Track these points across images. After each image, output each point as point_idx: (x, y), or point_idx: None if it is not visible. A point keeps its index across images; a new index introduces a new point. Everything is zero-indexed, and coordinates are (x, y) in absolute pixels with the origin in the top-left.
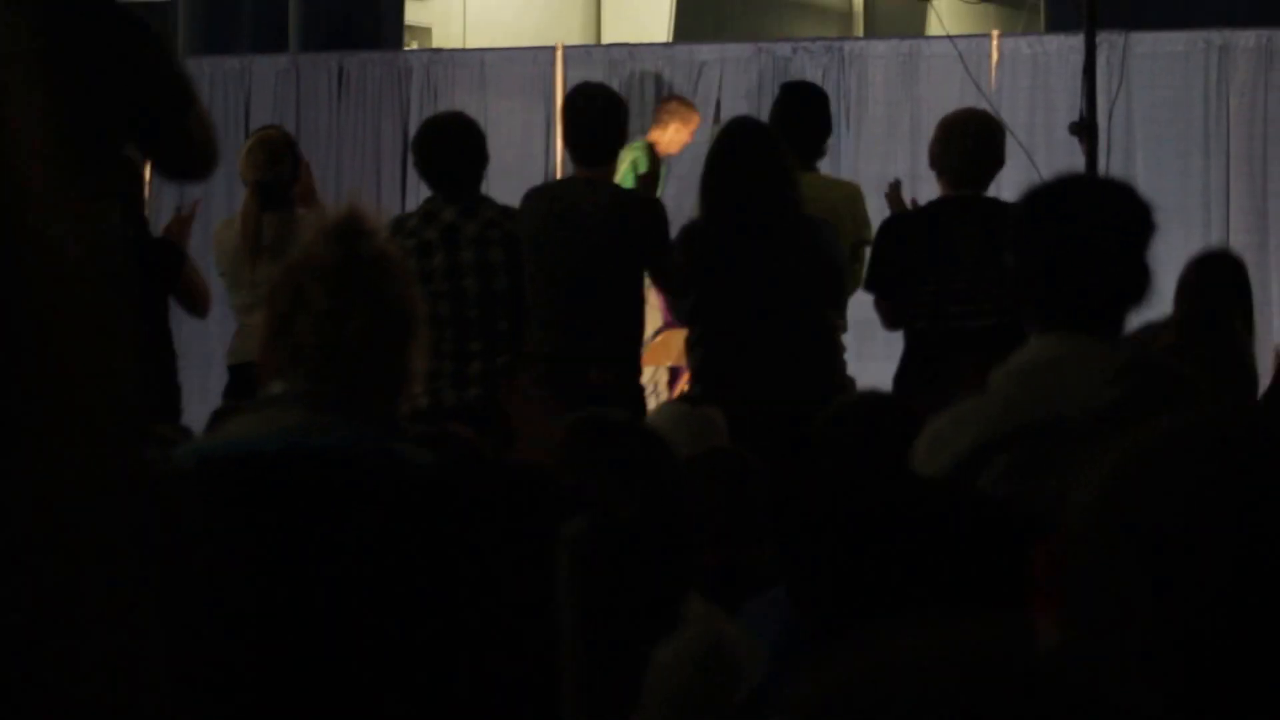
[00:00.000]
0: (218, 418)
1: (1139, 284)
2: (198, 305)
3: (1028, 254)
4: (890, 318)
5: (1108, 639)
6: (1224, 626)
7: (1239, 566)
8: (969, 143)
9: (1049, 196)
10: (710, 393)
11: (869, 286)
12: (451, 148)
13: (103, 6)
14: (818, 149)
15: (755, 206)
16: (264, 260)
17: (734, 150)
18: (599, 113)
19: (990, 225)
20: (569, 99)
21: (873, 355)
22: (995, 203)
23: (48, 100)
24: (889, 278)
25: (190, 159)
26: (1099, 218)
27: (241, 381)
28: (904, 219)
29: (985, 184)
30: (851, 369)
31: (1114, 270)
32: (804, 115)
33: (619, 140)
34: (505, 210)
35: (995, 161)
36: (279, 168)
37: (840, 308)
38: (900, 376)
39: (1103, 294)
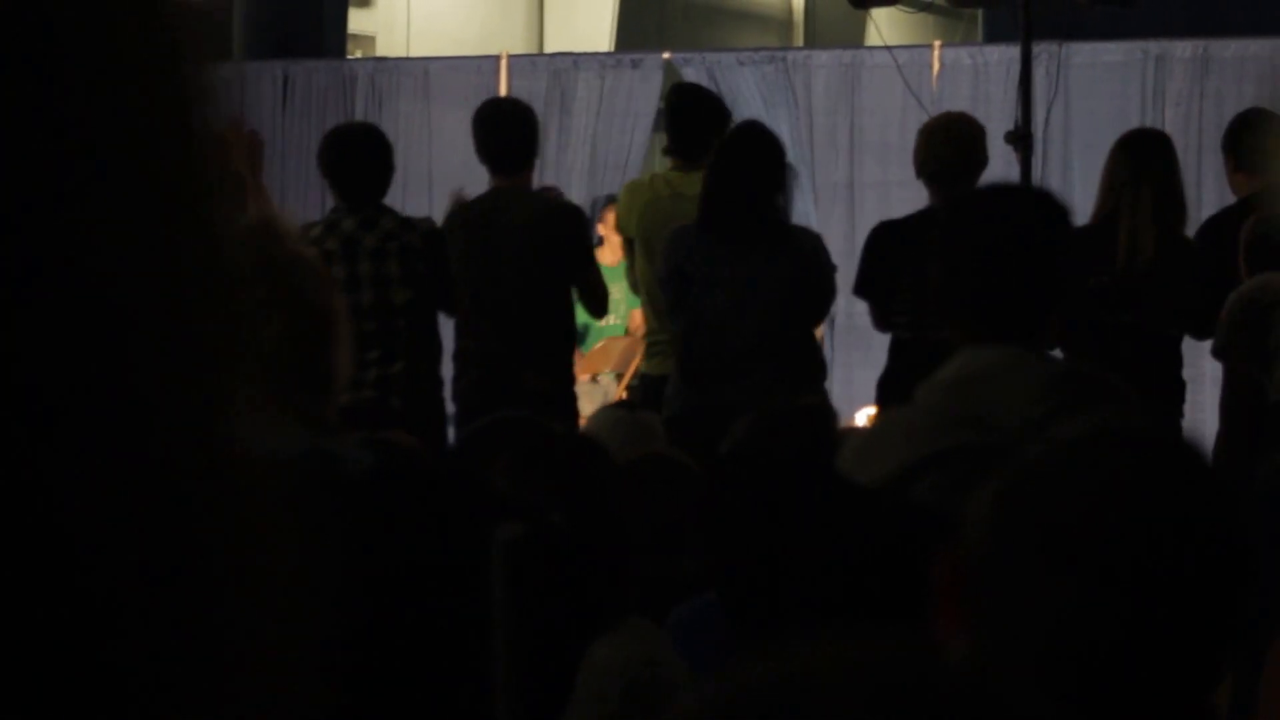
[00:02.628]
0: None
1: (1060, 291)
2: None
3: (953, 264)
4: (879, 320)
5: (1009, 639)
6: (1119, 625)
7: (1131, 568)
8: (948, 147)
9: (971, 207)
10: (687, 398)
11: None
12: (354, 158)
13: None
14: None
15: (751, 213)
16: None
17: (739, 155)
18: (512, 120)
19: None
20: (479, 114)
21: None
22: None
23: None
24: (875, 282)
25: None
26: (1020, 226)
27: None
28: (891, 225)
29: (970, 186)
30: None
31: (1037, 278)
32: (694, 115)
33: (534, 146)
34: (406, 222)
35: (976, 164)
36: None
37: (823, 318)
38: (883, 385)
39: (1027, 302)
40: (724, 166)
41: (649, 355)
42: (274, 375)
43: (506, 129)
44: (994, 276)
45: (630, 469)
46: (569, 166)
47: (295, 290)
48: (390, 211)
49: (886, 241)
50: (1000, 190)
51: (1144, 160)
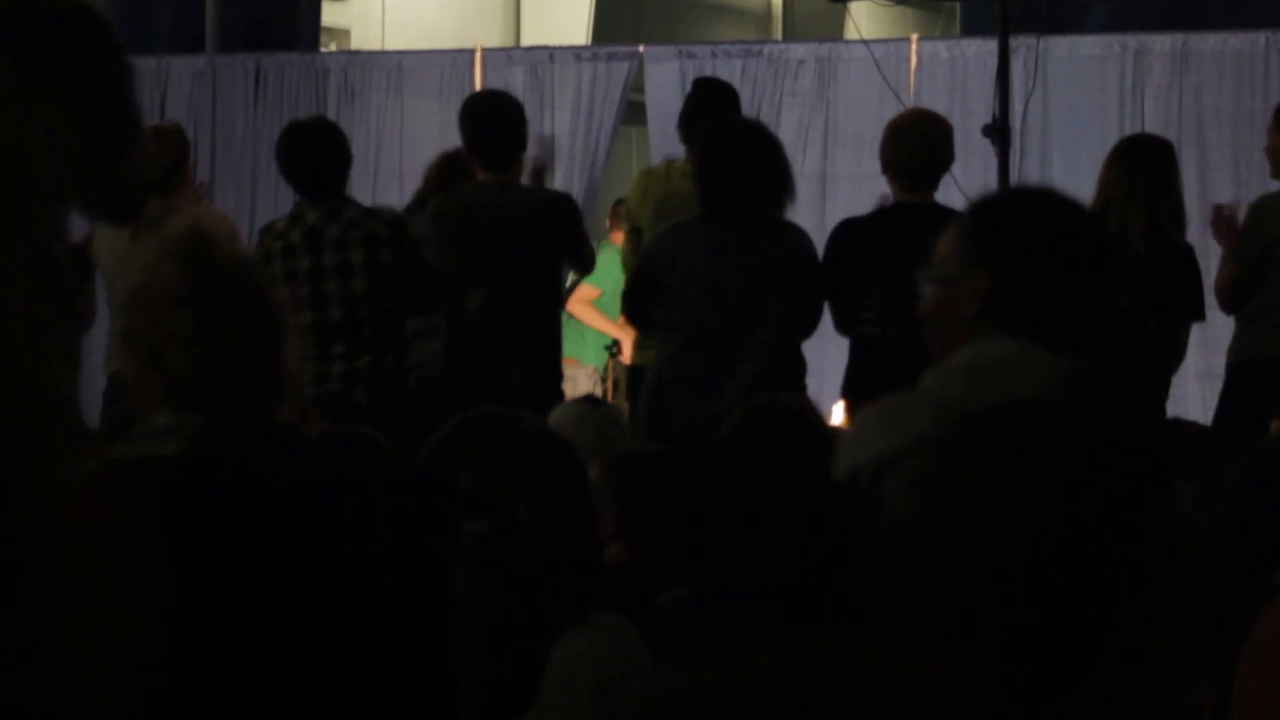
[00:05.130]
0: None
1: (1087, 296)
2: (88, 321)
3: (976, 260)
4: (841, 320)
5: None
6: (1014, 599)
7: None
8: (916, 142)
9: (999, 205)
10: (674, 389)
11: None
12: (313, 151)
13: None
14: None
15: (753, 207)
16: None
17: (733, 149)
18: (501, 115)
19: (940, 232)
20: (468, 107)
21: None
22: (947, 210)
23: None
24: (839, 280)
25: (131, 202)
26: (1053, 230)
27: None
28: (856, 222)
29: (934, 183)
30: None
31: (1063, 281)
32: (713, 108)
33: (522, 142)
34: (368, 212)
35: (944, 160)
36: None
37: (812, 321)
38: (849, 383)
39: (1052, 303)
40: (721, 158)
41: (643, 347)
42: (229, 386)
43: (497, 123)
44: (1025, 277)
45: (611, 464)
46: None
47: (237, 299)
48: (353, 202)
49: (850, 240)
50: (1033, 192)
51: (1141, 166)
